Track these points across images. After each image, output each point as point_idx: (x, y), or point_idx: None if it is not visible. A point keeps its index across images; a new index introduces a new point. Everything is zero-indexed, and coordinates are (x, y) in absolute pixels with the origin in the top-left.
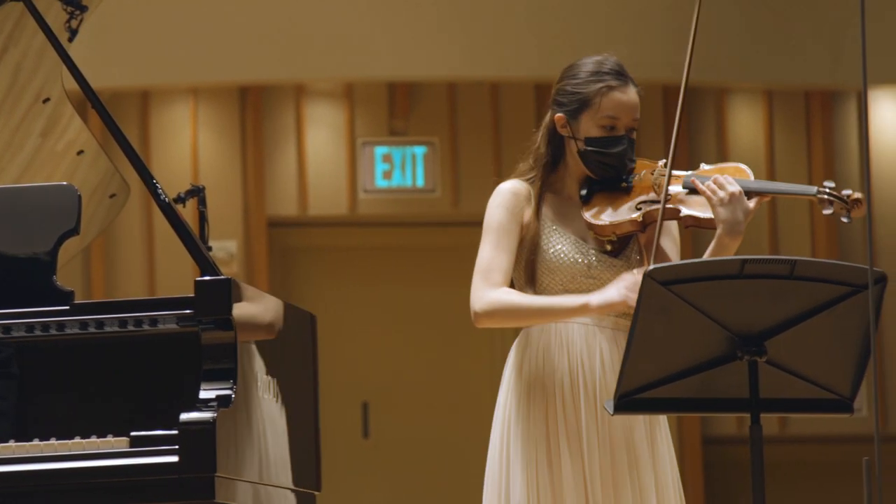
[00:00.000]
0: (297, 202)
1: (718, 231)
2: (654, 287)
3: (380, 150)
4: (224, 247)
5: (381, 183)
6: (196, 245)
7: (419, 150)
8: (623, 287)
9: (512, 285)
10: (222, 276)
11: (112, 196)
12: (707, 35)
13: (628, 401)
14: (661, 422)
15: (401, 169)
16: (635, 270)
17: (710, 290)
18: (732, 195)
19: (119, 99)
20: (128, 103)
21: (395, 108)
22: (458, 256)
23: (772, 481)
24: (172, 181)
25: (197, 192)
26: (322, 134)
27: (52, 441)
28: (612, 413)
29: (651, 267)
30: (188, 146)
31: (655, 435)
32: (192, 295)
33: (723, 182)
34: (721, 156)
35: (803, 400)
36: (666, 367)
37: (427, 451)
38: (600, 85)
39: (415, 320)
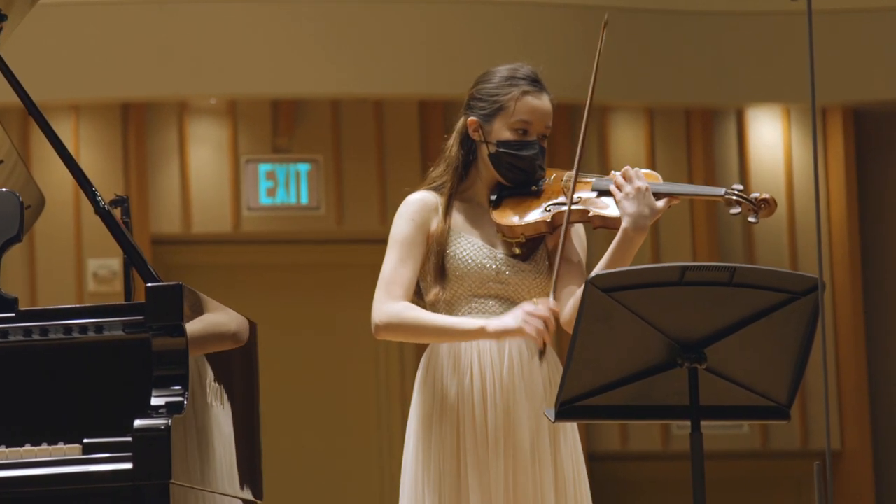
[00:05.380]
0: (180, 220)
1: (624, 224)
2: (596, 294)
3: (264, 168)
4: (106, 264)
5: (265, 200)
6: (137, 252)
7: (303, 168)
8: (521, 314)
9: (418, 290)
10: (172, 283)
11: (27, 207)
12: (590, 54)
13: (569, 408)
14: (568, 428)
15: (285, 186)
16: (535, 300)
17: (651, 297)
18: (639, 189)
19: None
20: (8, 120)
21: (279, 125)
22: (343, 274)
23: (654, 497)
24: (55, 197)
25: (121, 203)
26: (205, 151)
27: (3, 448)
28: (552, 421)
29: (592, 274)
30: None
31: (559, 442)
32: (125, 302)
33: (631, 175)
34: (604, 171)
35: (742, 407)
36: (607, 374)
37: (312, 464)
38: (515, 90)
39: (299, 337)
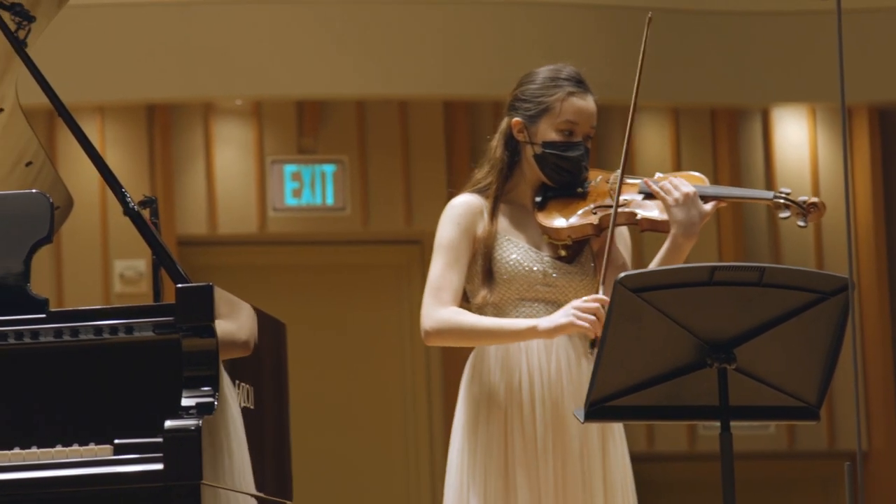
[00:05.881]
0: (206, 221)
1: (673, 231)
2: (626, 294)
3: (289, 169)
4: (133, 266)
5: (290, 201)
6: (166, 253)
7: (329, 169)
8: (570, 309)
9: (464, 296)
10: (202, 283)
11: (56, 208)
12: (615, 55)
13: (598, 409)
14: (617, 430)
15: (310, 187)
16: (584, 298)
17: (681, 298)
18: (687, 195)
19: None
20: (35, 122)
21: (305, 126)
22: (369, 274)
23: (680, 498)
24: (81, 198)
25: (150, 204)
26: (231, 152)
27: (34, 449)
28: (582, 421)
29: (622, 274)
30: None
31: (608, 444)
32: (155, 303)
33: (677, 183)
34: (629, 171)
35: (771, 407)
36: (636, 374)
37: (339, 465)
38: (560, 91)
39: (324, 337)
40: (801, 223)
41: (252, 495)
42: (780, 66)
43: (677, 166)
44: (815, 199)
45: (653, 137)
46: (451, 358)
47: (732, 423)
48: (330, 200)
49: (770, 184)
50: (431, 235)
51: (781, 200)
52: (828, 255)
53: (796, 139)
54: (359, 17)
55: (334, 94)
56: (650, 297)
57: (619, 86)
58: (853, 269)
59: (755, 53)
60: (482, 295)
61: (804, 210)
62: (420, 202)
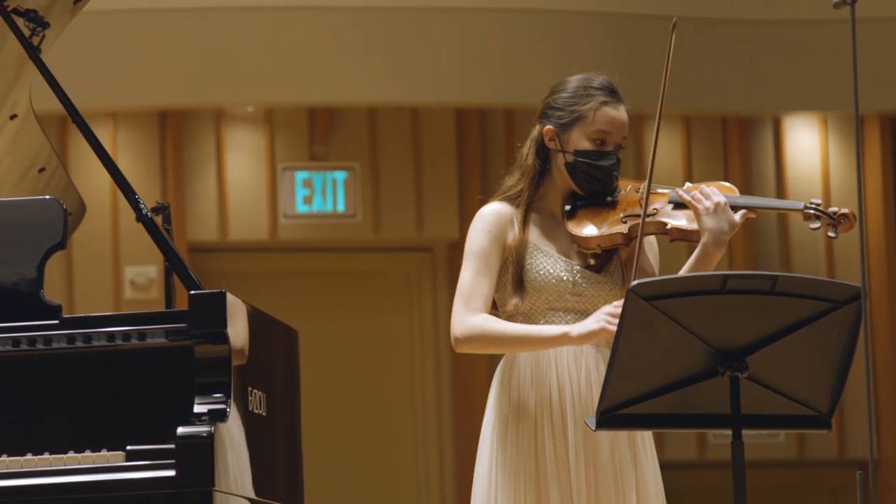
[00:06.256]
0: (217, 227)
1: (703, 239)
2: (638, 302)
3: (300, 176)
4: (144, 272)
5: (301, 208)
6: (180, 260)
7: (340, 176)
8: (603, 316)
9: (493, 305)
10: (215, 290)
11: (69, 215)
12: (626, 63)
13: (610, 416)
14: (647, 438)
15: (321, 194)
16: (615, 303)
17: (693, 306)
18: (718, 204)
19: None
20: (46, 127)
21: (316, 133)
22: (380, 282)
23: None
24: (92, 205)
25: (162, 210)
26: (242, 159)
27: (46, 455)
28: (594, 429)
29: (634, 282)
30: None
31: (639, 452)
32: (168, 310)
33: (708, 192)
34: (639, 179)
35: (783, 416)
36: (648, 382)
37: (350, 472)
38: (593, 100)
39: (336, 345)
40: (831, 234)
41: (265, 502)
42: (791, 75)
43: (688, 175)
44: (845, 210)
45: (663, 146)
46: (461, 365)
47: (743, 432)
48: (341, 207)
49: (781, 192)
50: (442, 243)
51: (812, 211)
52: (839, 264)
53: (808, 148)
54: (370, 24)
55: (346, 101)
56: (662, 305)
57: (629, 94)
58: (865, 278)
59: (766, 62)
60: (513, 303)
61: (834, 221)
62: (431, 210)
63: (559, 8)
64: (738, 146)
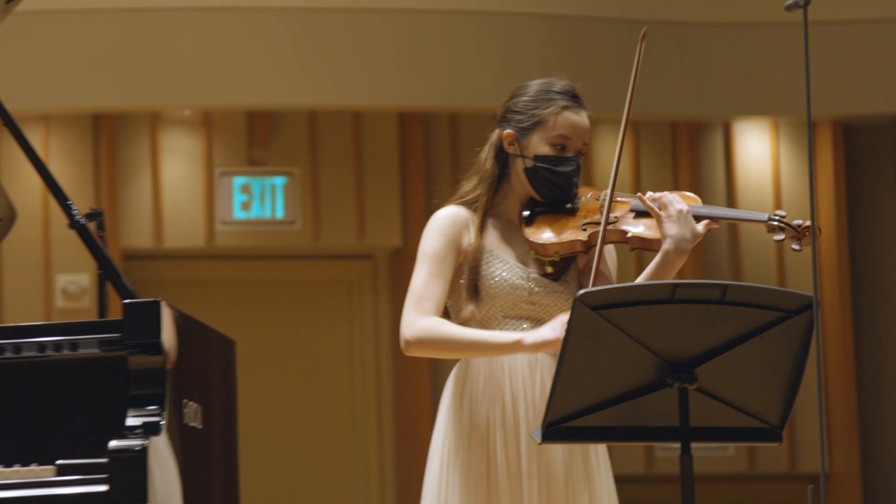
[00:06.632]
0: (152, 234)
1: (665, 247)
2: (585, 312)
3: (238, 181)
4: (76, 280)
5: (239, 214)
6: (113, 267)
7: (279, 181)
8: (558, 325)
9: (445, 311)
10: (150, 299)
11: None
12: (571, 66)
13: (557, 429)
14: (601, 452)
15: (260, 200)
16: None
17: (641, 316)
18: (680, 212)
19: None
20: None
21: (255, 137)
22: (319, 290)
23: None
24: (23, 210)
25: (96, 216)
26: (178, 163)
27: None
28: (539, 442)
29: (581, 291)
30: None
31: (592, 466)
32: (101, 319)
33: (671, 199)
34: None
35: (733, 429)
36: (595, 394)
37: (288, 484)
38: (554, 104)
39: (275, 356)
40: (795, 247)
41: None
42: (742, 79)
43: (637, 180)
44: (809, 223)
45: (612, 151)
46: (402, 375)
47: (692, 445)
48: (280, 214)
49: (731, 198)
50: (384, 251)
51: (776, 223)
52: (790, 273)
53: (758, 153)
54: (311, 26)
55: (285, 105)
56: (610, 314)
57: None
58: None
59: (717, 65)
60: (469, 309)
61: (799, 233)
62: (373, 217)
63: (503, 10)
64: (688, 151)
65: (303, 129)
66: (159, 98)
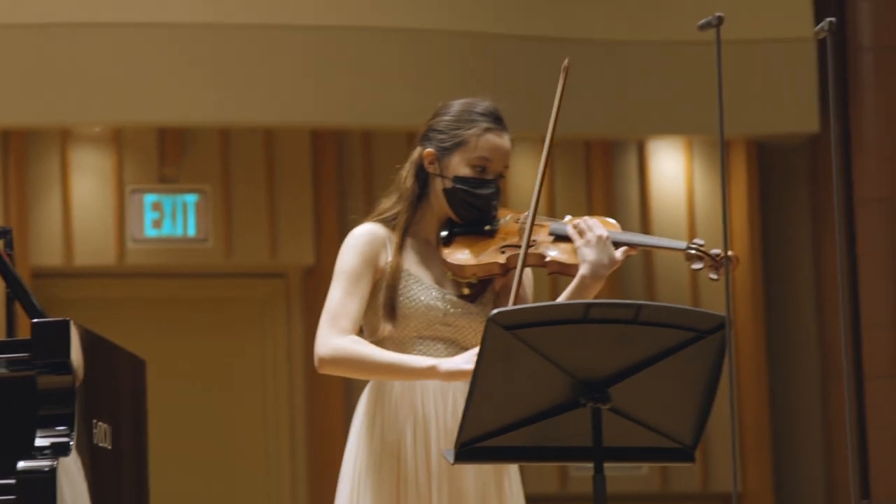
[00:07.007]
0: (62, 252)
1: (581, 271)
2: (497, 331)
3: (149, 198)
4: None
5: (150, 232)
6: (22, 286)
7: (190, 199)
8: (472, 357)
9: (361, 329)
10: (59, 318)
11: None
12: (488, 83)
13: (470, 449)
14: (513, 472)
15: (171, 218)
16: None
17: (554, 335)
18: (599, 237)
19: None
20: None
21: (166, 154)
22: (231, 309)
23: None
24: None
25: (4, 234)
26: (88, 181)
27: None
28: (452, 462)
29: (494, 311)
30: None
31: (504, 487)
32: (9, 338)
33: (591, 224)
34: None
35: (646, 449)
36: (508, 414)
37: None
38: (476, 126)
39: (187, 374)
40: (712, 276)
41: None
42: (656, 97)
43: (550, 199)
44: (729, 253)
45: (525, 170)
46: (315, 394)
47: (605, 465)
48: (191, 231)
49: (645, 217)
50: (297, 269)
51: (694, 251)
52: (703, 293)
53: (672, 172)
54: (223, 42)
55: (197, 122)
56: (523, 334)
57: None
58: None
59: (631, 84)
60: (386, 329)
61: (717, 263)
62: (285, 235)
63: (420, 27)
64: (602, 170)
65: (214, 146)
66: (69, 115)
